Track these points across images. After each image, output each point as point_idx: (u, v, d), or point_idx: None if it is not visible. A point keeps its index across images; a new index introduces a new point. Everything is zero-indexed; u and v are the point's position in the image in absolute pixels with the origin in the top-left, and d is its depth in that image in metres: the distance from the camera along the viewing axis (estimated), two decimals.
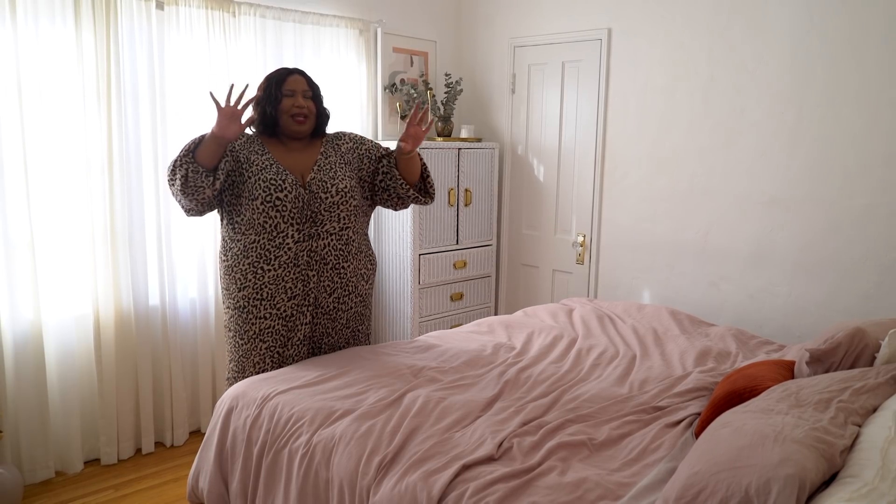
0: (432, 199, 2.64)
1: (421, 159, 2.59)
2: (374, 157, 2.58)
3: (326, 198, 2.43)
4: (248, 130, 2.54)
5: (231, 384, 2.51)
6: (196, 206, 2.35)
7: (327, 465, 1.88)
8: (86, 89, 2.87)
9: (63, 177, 2.89)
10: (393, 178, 2.54)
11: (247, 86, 2.30)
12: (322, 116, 2.54)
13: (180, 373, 3.25)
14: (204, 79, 3.21)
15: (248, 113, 2.49)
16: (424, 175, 2.60)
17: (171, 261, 3.20)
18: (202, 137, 2.28)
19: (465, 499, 1.62)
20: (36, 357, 2.85)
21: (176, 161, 2.28)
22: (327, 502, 1.86)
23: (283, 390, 2.18)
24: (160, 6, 3.05)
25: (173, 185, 2.31)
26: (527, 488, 1.65)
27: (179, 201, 2.35)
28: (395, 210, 2.67)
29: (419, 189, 2.61)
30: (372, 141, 2.64)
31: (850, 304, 2.98)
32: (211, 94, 2.25)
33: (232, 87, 2.28)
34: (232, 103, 2.22)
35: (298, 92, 2.44)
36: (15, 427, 2.83)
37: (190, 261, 3.30)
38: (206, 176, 2.26)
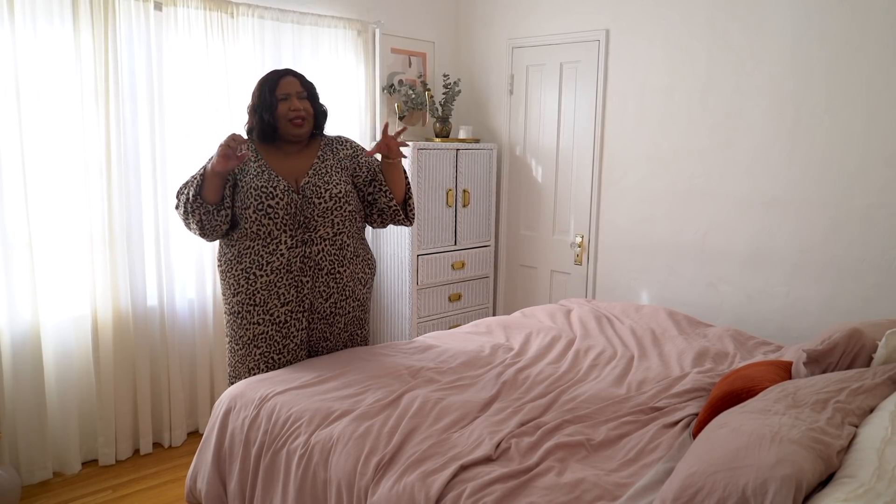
0: (411, 221, 2.63)
1: (407, 181, 2.59)
2: (369, 170, 2.56)
3: (320, 203, 2.42)
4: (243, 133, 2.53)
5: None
6: (216, 236, 2.42)
7: (325, 465, 1.88)
8: (84, 90, 2.87)
9: (61, 178, 2.89)
10: (379, 186, 2.53)
11: (247, 141, 2.30)
12: (319, 115, 2.52)
13: (178, 373, 3.25)
14: (202, 80, 3.21)
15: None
16: (408, 197, 2.61)
17: (169, 262, 3.20)
18: (202, 176, 2.31)
19: (462, 499, 1.63)
20: (34, 358, 2.84)
21: (186, 206, 2.33)
22: (325, 503, 1.86)
23: (282, 391, 2.18)
24: (158, 7, 3.05)
25: (188, 224, 2.38)
26: (524, 489, 1.65)
27: (197, 236, 2.41)
28: (374, 228, 2.67)
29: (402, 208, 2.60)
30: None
31: (849, 306, 2.98)
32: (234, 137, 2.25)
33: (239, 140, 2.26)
34: (234, 147, 2.24)
35: (293, 94, 2.42)
36: (13, 428, 2.83)
37: (188, 262, 3.30)
38: (217, 212, 2.33)
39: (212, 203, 2.31)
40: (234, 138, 2.23)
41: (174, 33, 3.11)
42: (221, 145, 2.22)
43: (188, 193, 2.32)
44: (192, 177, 2.37)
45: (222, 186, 2.33)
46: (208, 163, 2.36)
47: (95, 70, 2.87)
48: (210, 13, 3.19)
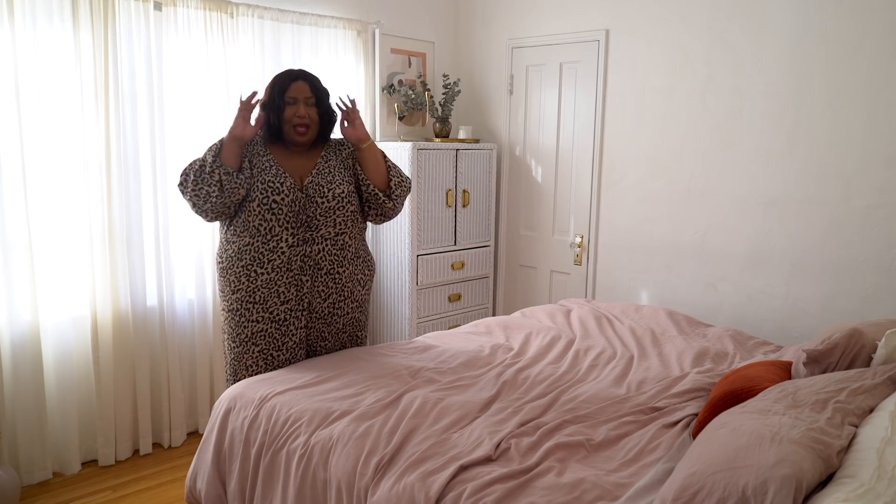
0: (394, 201, 2.55)
1: (388, 165, 2.58)
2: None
3: (322, 202, 2.42)
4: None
5: (228, 385, 2.51)
6: (226, 210, 2.38)
7: (325, 465, 1.88)
8: (84, 90, 2.87)
9: (61, 178, 2.89)
10: (358, 175, 2.53)
11: (255, 93, 2.37)
12: (326, 124, 2.51)
13: (178, 374, 3.25)
14: (202, 80, 3.21)
15: (256, 113, 2.48)
16: (390, 179, 2.55)
17: (168, 262, 3.20)
18: (221, 143, 2.36)
19: (462, 499, 1.63)
20: (34, 358, 2.84)
21: (203, 171, 2.31)
22: (325, 503, 1.86)
23: (281, 391, 2.18)
24: (158, 7, 3.05)
25: (198, 194, 2.33)
26: (524, 489, 1.65)
27: (206, 208, 2.36)
28: (373, 223, 2.66)
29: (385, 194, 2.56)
30: None
31: (848, 306, 2.99)
32: (240, 96, 2.41)
33: (253, 94, 2.38)
34: (245, 106, 2.36)
35: (301, 100, 2.41)
36: (12, 428, 2.83)
37: (188, 261, 3.30)
38: (237, 175, 2.34)
39: (231, 167, 2.34)
40: (248, 99, 2.35)
41: (174, 33, 3.11)
42: (239, 109, 2.34)
43: (205, 158, 2.34)
44: (200, 157, 2.39)
45: (241, 154, 2.37)
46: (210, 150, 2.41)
47: (95, 70, 2.87)
48: (210, 13, 3.19)
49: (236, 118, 2.35)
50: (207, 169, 2.32)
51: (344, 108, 2.51)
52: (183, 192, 2.39)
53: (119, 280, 3.03)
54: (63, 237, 2.92)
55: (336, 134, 2.62)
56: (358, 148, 2.53)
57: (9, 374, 2.79)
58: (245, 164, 2.38)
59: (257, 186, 2.36)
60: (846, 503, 1.22)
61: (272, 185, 2.36)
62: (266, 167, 2.40)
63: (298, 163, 2.47)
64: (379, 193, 2.52)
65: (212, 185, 2.31)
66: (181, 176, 2.39)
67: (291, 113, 2.41)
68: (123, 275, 3.04)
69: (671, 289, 3.57)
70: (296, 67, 2.58)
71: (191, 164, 2.38)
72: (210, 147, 2.38)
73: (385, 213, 2.58)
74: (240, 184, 2.34)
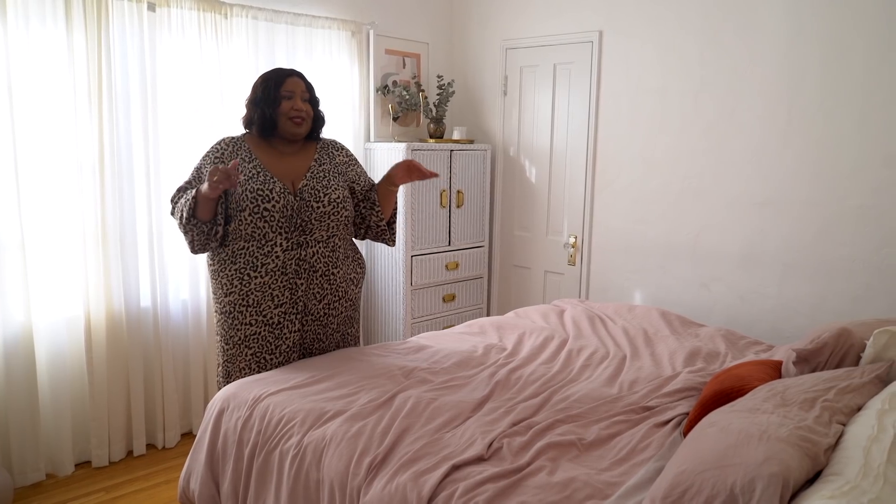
0: (393, 242, 2.70)
1: (395, 208, 2.68)
2: (358, 183, 2.61)
3: (318, 207, 2.41)
4: (241, 131, 2.54)
5: (220, 387, 2.51)
6: (205, 253, 2.44)
7: (318, 465, 1.88)
8: (77, 91, 2.87)
9: (54, 178, 2.89)
10: (371, 205, 2.58)
11: (237, 160, 2.24)
12: (318, 120, 2.54)
13: (172, 374, 3.25)
14: (196, 81, 3.21)
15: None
16: (392, 221, 2.67)
17: (162, 262, 3.20)
18: (195, 198, 2.26)
19: (454, 499, 1.63)
20: (26, 359, 2.84)
21: (181, 225, 2.33)
22: (318, 503, 1.87)
23: (275, 391, 2.19)
24: (152, 8, 3.05)
25: (181, 230, 2.37)
26: (516, 488, 1.66)
27: (194, 249, 2.40)
28: (360, 238, 2.70)
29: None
30: (361, 167, 2.68)
31: (840, 306, 3.00)
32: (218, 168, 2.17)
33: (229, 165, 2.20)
34: (227, 173, 2.17)
35: (297, 94, 2.43)
36: (5, 429, 2.83)
37: (181, 262, 3.29)
38: (209, 230, 2.34)
39: (206, 221, 2.32)
40: (225, 172, 2.14)
41: (167, 34, 3.11)
42: (213, 181, 2.14)
43: (182, 214, 2.30)
44: (184, 188, 2.40)
45: (216, 205, 2.32)
46: (196, 171, 2.42)
47: (88, 71, 2.87)
48: (203, 14, 3.19)
49: (215, 185, 2.16)
50: (183, 228, 2.33)
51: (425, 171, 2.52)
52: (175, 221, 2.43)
53: (112, 281, 3.02)
54: (56, 237, 2.92)
55: (324, 133, 2.63)
56: (390, 188, 2.58)
57: (1, 376, 2.78)
58: (220, 209, 2.32)
59: (246, 195, 2.34)
60: (832, 500, 1.23)
61: (261, 192, 2.34)
62: (253, 174, 2.38)
63: (290, 166, 2.45)
64: (386, 229, 2.63)
65: (185, 239, 2.36)
66: (171, 203, 2.43)
67: (288, 106, 2.42)
68: (117, 275, 3.04)
69: (665, 289, 3.59)
70: (287, 67, 2.58)
71: (175, 197, 2.40)
72: (186, 189, 2.35)
73: (383, 242, 2.69)
74: (211, 239, 2.34)
